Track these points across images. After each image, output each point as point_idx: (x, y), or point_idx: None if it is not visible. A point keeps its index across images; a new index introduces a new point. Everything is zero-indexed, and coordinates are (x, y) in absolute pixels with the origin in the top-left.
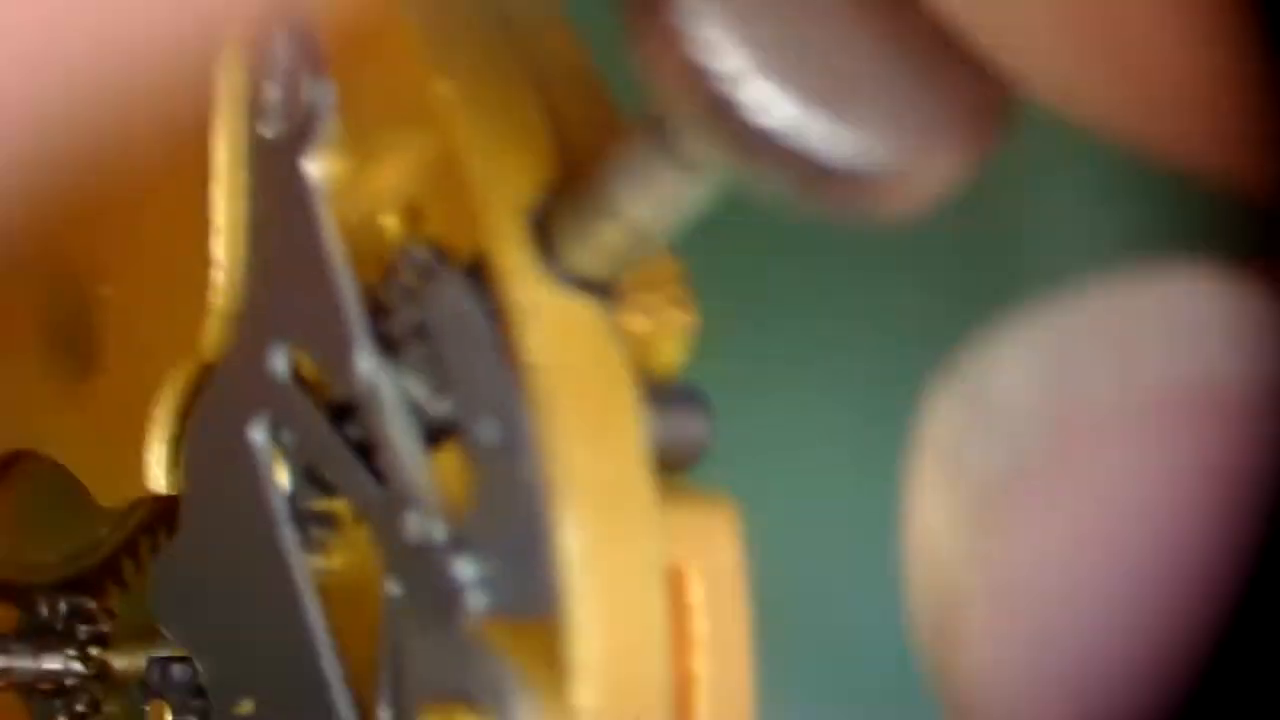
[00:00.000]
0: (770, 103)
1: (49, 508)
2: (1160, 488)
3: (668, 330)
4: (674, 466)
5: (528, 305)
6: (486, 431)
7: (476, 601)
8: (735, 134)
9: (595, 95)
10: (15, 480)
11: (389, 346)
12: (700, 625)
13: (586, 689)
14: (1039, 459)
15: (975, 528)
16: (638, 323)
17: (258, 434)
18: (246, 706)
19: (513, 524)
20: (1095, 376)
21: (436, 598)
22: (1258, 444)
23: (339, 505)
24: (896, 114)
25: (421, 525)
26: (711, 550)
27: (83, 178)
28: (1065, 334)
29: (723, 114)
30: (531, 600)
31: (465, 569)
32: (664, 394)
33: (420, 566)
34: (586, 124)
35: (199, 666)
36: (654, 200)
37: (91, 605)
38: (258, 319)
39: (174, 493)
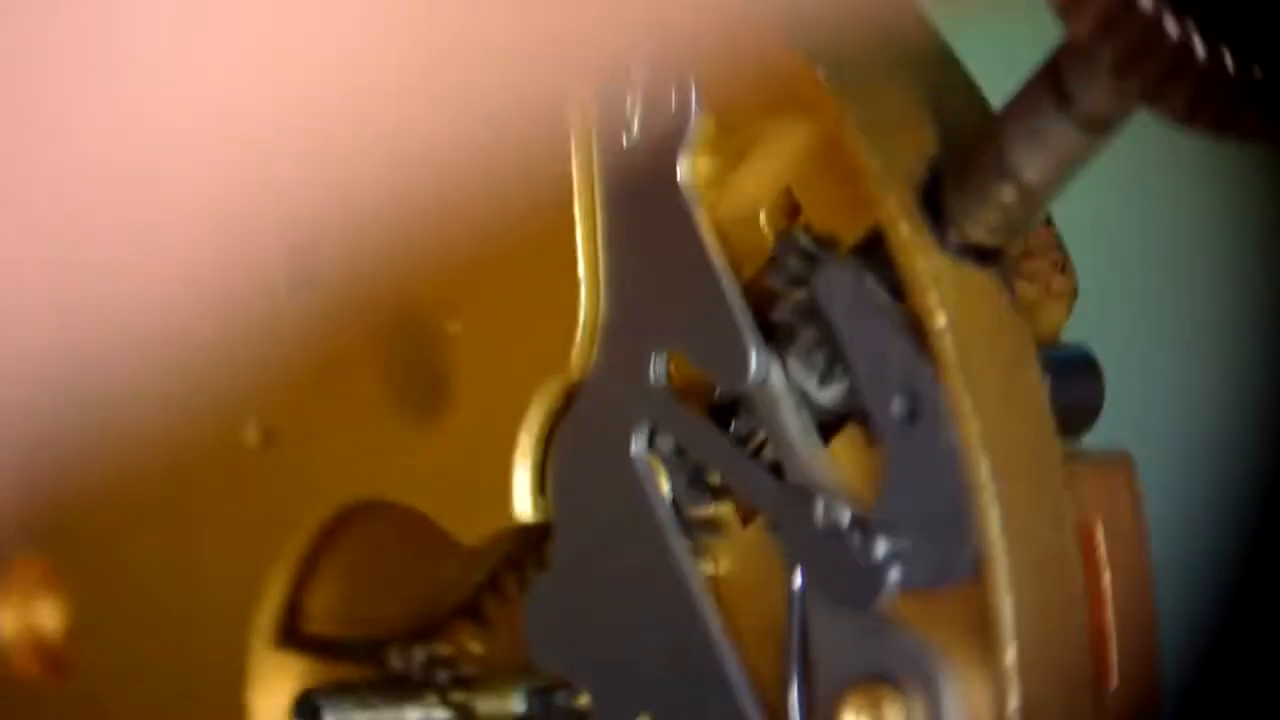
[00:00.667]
0: (1189, 37)
1: (385, 560)
2: None
3: (1054, 295)
4: (1070, 429)
5: (929, 275)
6: (894, 405)
7: (893, 578)
8: (1126, 38)
9: (965, 81)
10: (349, 535)
11: (774, 339)
12: (1108, 580)
13: (1014, 647)
14: None
15: None
16: (1025, 289)
17: (636, 445)
18: None
19: (925, 496)
20: None
21: (851, 581)
22: None
23: (724, 510)
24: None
25: (828, 512)
26: (1115, 506)
27: (450, 224)
28: None
29: (1150, 46)
30: (950, 570)
31: (879, 548)
32: (1058, 358)
33: (831, 553)
34: (962, 108)
35: (584, 690)
36: (1050, 160)
37: (449, 650)
38: (630, 330)
39: (542, 519)
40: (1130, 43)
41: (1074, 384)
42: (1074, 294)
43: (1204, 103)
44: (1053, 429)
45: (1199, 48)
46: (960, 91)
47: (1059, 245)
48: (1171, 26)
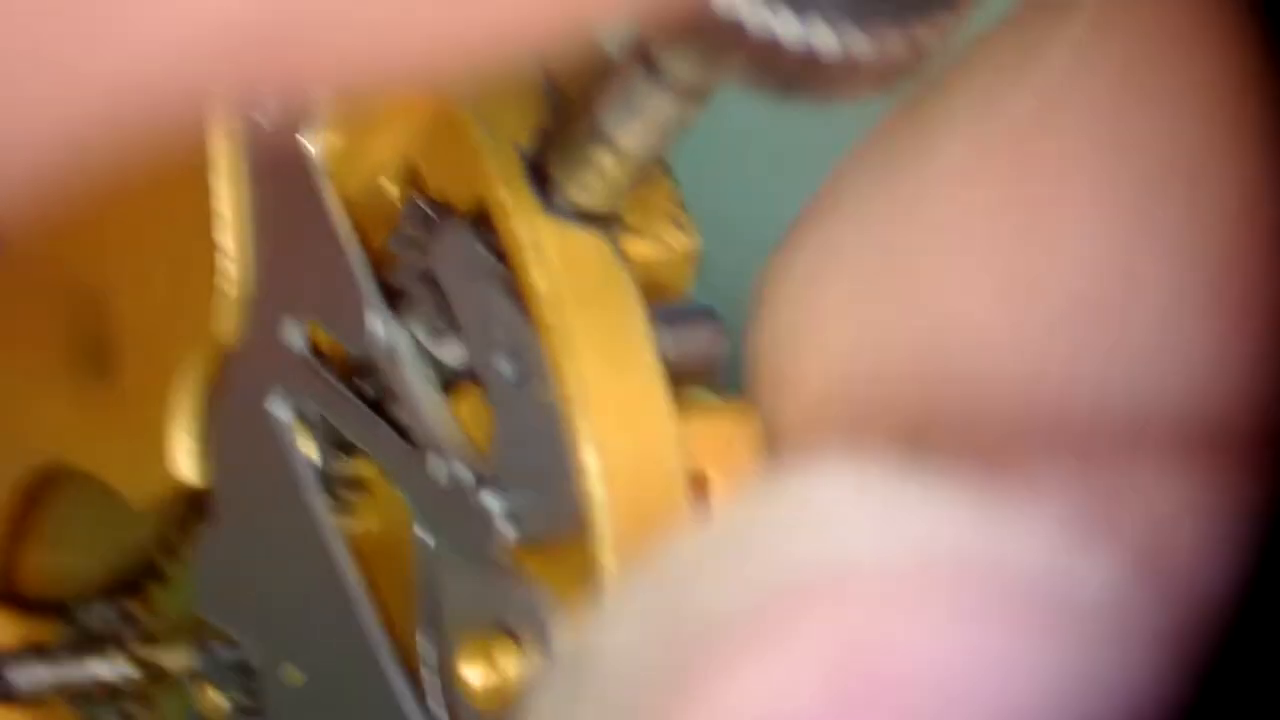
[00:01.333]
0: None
1: (85, 520)
2: (786, 692)
3: (671, 252)
4: (690, 380)
5: (530, 240)
6: (501, 367)
7: (506, 533)
8: (707, 39)
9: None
10: (50, 498)
11: (397, 301)
12: None
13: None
14: (652, 711)
15: None
16: (641, 248)
17: (279, 408)
18: (295, 676)
19: (534, 452)
20: (714, 591)
21: (468, 536)
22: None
23: (365, 467)
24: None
25: (447, 469)
26: (730, 454)
27: (87, 190)
28: (681, 563)
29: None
30: (558, 523)
31: (492, 503)
32: (674, 313)
33: (450, 508)
34: (579, 67)
35: (245, 646)
36: (642, 124)
37: (135, 608)
38: (269, 298)
39: (203, 482)
40: (714, 42)
41: (691, 335)
42: (695, 251)
43: (799, 83)
44: (661, 383)
45: (790, 34)
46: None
47: (676, 202)
48: (756, 19)
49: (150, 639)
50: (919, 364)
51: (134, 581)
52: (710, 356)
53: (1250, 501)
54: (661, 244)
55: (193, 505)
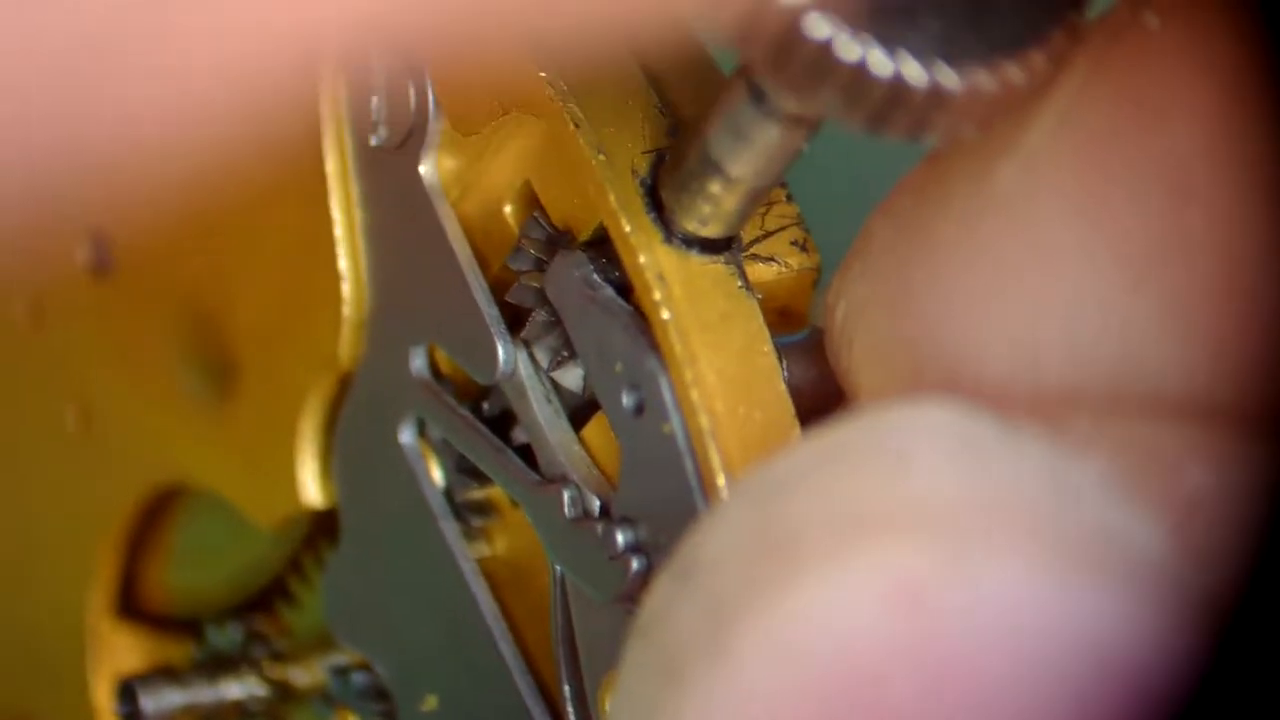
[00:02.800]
0: (829, 34)
1: (210, 538)
2: (851, 609)
3: (795, 274)
4: (822, 407)
5: (651, 269)
6: (623, 399)
7: (634, 569)
8: (797, 68)
9: (701, 65)
10: (172, 516)
11: (517, 326)
12: None
13: None
14: (733, 606)
15: (663, 690)
16: (764, 272)
17: (406, 435)
18: (431, 702)
19: (659, 485)
20: (801, 508)
21: (598, 572)
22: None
23: (495, 493)
24: (950, 38)
25: (576, 503)
26: None
27: (201, 203)
28: (776, 477)
29: (786, 47)
30: None
31: (619, 539)
32: (791, 342)
33: (578, 544)
34: (694, 88)
35: (379, 670)
36: (751, 153)
37: (264, 627)
38: (391, 323)
39: (328, 505)
40: (804, 70)
41: (819, 364)
42: (818, 271)
43: (889, 117)
44: (790, 411)
45: (878, 66)
46: (697, 74)
47: (799, 224)
48: (846, 51)
49: (279, 658)
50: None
51: (262, 600)
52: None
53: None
54: (785, 267)
55: (319, 525)
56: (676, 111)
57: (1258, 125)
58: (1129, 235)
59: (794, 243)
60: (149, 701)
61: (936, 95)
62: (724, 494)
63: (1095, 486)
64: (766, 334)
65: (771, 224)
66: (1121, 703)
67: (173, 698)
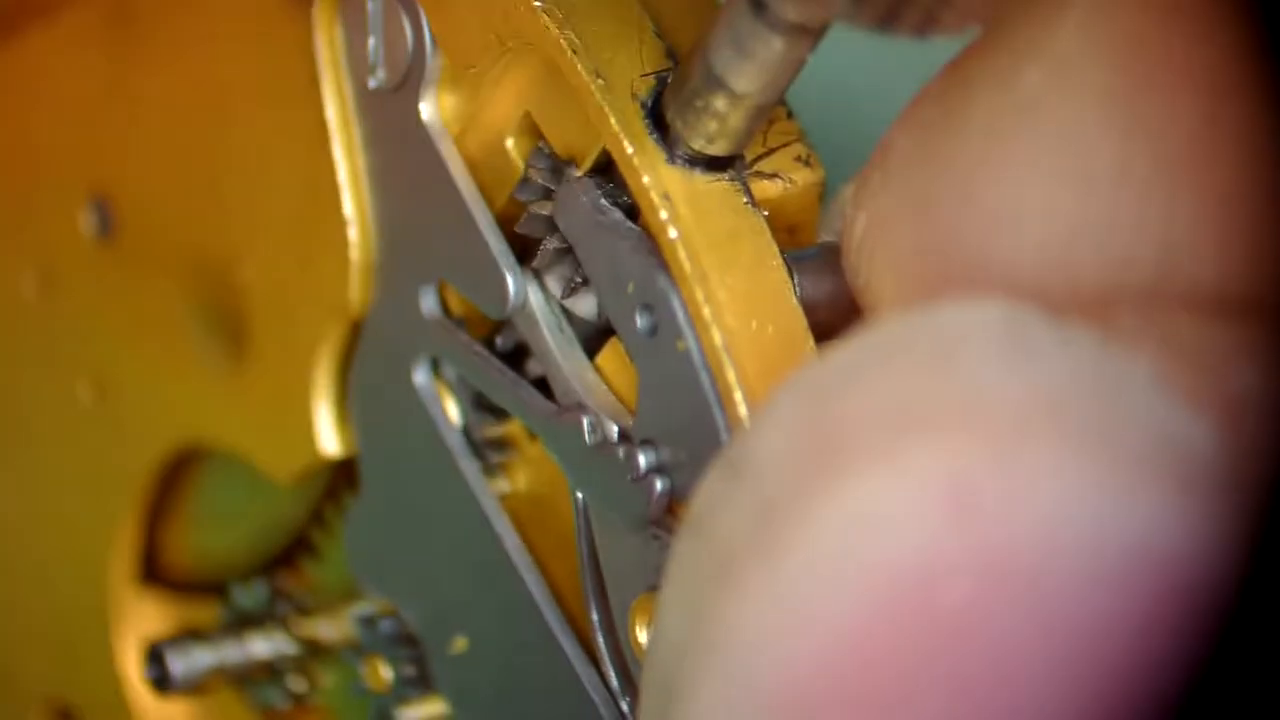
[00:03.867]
0: None
1: (229, 500)
2: (903, 506)
3: (800, 189)
4: (833, 321)
5: (657, 190)
6: (636, 321)
7: (659, 490)
8: None
9: None
10: (190, 480)
11: (526, 257)
12: None
13: None
14: (785, 505)
15: (713, 589)
16: (767, 188)
17: (420, 376)
18: (460, 644)
19: (678, 405)
20: (853, 405)
21: (622, 496)
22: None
23: (513, 428)
24: None
25: (596, 428)
26: None
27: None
28: (827, 374)
29: None
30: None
31: (642, 461)
32: (804, 255)
33: (601, 469)
34: (688, 13)
35: (406, 616)
36: (754, 67)
37: (289, 583)
38: (399, 265)
39: (348, 453)
40: None
41: (829, 274)
42: (822, 185)
43: (899, 13)
44: (804, 325)
45: None
46: (699, 5)
47: (801, 139)
48: None
49: (306, 613)
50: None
51: (285, 557)
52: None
53: None
54: (790, 183)
55: (340, 475)
56: (671, 35)
57: None
58: (1164, 135)
59: (798, 158)
60: (177, 664)
61: None
62: (741, 409)
63: (1145, 384)
64: (775, 249)
65: (774, 140)
66: (1174, 604)
67: (201, 659)
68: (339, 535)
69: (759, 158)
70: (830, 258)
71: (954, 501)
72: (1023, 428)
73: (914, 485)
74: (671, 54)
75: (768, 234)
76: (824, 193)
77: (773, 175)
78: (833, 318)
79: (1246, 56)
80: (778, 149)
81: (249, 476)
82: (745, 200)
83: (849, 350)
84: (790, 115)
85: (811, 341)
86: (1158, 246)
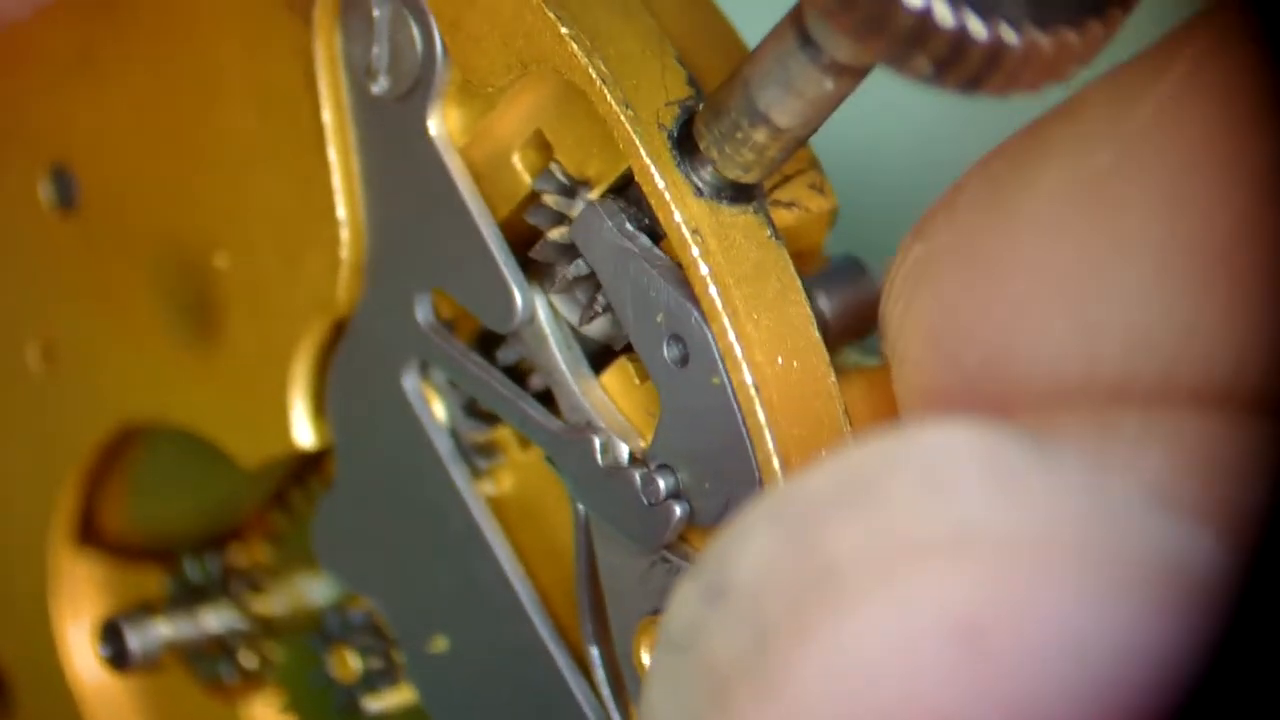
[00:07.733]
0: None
1: (174, 473)
2: (908, 644)
3: (813, 217)
4: (850, 336)
5: (687, 223)
6: (665, 351)
7: (677, 516)
8: (860, 14)
9: (711, 18)
10: (133, 449)
11: (535, 276)
12: None
13: None
14: (783, 632)
15: (709, 713)
16: (784, 216)
17: (409, 379)
18: (440, 643)
19: (706, 434)
20: (842, 535)
21: (637, 519)
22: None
23: (503, 433)
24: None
25: (608, 449)
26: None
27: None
28: (809, 501)
29: (889, 15)
30: (735, 507)
31: (662, 486)
32: (826, 274)
33: (614, 492)
34: (708, 47)
35: (379, 608)
36: (799, 103)
37: (242, 560)
38: (392, 269)
39: (321, 446)
40: (866, 17)
41: (848, 291)
42: (834, 213)
43: (948, 68)
44: (825, 359)
45: (942, 14)
46: (713, 31)
47: (815, 166)
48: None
49: (259, 589)
50: (990, 363)
51: (239, 533)
52: (866, 302)
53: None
54: (805, 211)
55: (308, 464)
56: (696, 64)
57: None
58: (1208, 229)
59: (812, 186)
60: (134, 639)
61: (996, 50)
62: (769, 445)
63: (1141, 502)
64: (798, 282)
65: (789, 169)
66: None
67: (157, 631)
68: (301, 519)
69: (776, 185)
70: (842, 278)
71: (961, 639)
72: (1019, 560)
73: (918, 619)
74: (693, 81)
75: (790, 267)
76: (833, 221)
77: (790, 204)
78: (841, 339)
79: None
80: (793, 177)
81: (194, 449)
82: (769, 232)
83: (827, 474)
84: (805, 143)
85: (833, 375)
86: (1180, 337)
